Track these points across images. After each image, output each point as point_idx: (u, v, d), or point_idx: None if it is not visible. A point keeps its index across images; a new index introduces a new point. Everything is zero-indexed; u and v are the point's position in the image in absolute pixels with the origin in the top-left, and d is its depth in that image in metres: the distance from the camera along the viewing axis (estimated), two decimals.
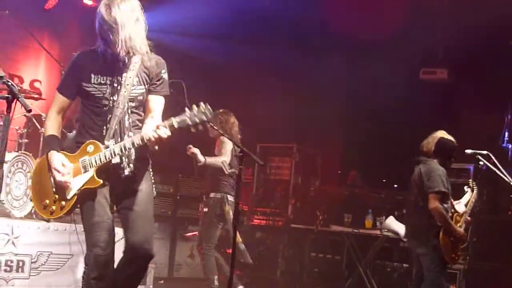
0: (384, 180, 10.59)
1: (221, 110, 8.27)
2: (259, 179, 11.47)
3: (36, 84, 10.14)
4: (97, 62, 4.79)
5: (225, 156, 8.07)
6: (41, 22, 10.36)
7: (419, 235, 6.96)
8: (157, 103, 4.82)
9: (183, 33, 11.18)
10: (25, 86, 9.87)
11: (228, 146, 8.10)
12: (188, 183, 10.90)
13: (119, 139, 4.75)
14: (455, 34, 10.15)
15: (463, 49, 10.32)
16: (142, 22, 4.71)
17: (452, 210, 6.99)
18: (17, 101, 4.61)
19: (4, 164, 4.87)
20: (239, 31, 11.15)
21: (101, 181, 4.69)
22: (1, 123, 8.01)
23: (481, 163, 7.48)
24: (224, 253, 8.97)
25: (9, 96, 4.58)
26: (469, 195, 7.57)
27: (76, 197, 4.75)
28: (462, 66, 10.59)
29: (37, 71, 10.59)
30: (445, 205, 6.81)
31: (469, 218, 7.27)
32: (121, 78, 4.75)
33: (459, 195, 7.67)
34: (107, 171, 4.74)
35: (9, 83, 4.58)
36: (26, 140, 8.51)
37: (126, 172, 4.76)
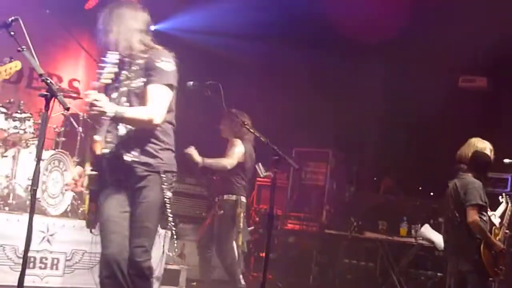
0: (420, 188, 10.51)
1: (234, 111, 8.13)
2: (294, 184, 11.46)
3: (75, 84, 10.27)
4: None
5: (230, 158, 7.97)
6: (81, 22, 10.41)
7: (462, 252, 6.75)
8: (151, 92, 4.82)
9: (222, 34, 11.19)
10: (64, 85, 10.01)
11: (237, 149, 8.00)
12: None
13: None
14: (496, 42, 10.03)
15: (503, 57, 10.20)
16: (132, 24, 4.91)
17: (489, 223, 6.88)
18: (56, 100, 4.64)
19: (41, 162, 4.93)
20: (277, 31, 11.09)
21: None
22: (39, 121, 8.08)
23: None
24: None
25: (48, 94, 4.62)
26: (503, 206, 7.48)
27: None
28: (502, 74, 10.48)
29: (76, 71, 10.67)
30: (484, 218, 6.70)
31: (507, 231, 7.16)
32: (120, 75, 4.88)
33: (495, 206, 7.59)
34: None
35: (48, 81, 4.62)
36: (63, 139, 8.55)
37: (125, 157, 4.83)
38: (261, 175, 8.28)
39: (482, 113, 10.10)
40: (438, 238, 9.23)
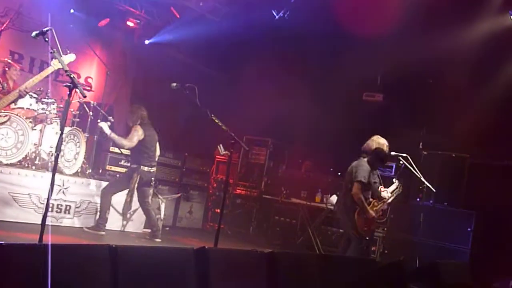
0: (331, 169, 10.59)
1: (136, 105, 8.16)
2: (242, 161, 11.44)
3: (89, 80, 10.09)
4: None
5: (129, 140, 7.78)
6: (95, 35, 10.26)
7: (346, 212, 6.91)
8: None
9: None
10: (81, 80, 9.83)
11: (135, 133, 7.81)
12: (192, 160, 10.90)
13: None
14: (391, 67, 10.13)
15: (396, 79, 10.31)
16: None
17: (371, 199, 6.94)
18: (76, 90, 4.57)
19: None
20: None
21: None
22: (61, 105, 7.96)
23: (401, 162, 7.52)
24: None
25: (71, 85, 4.55)
26: (395, 186, 7.55)
27: None
28: (393, 92, 10.58)
29: (91, 71, 10.51)
30: (365, 193, 6.80)
31: (387, 205, 7.29)
32: None
33: (386, 185, 7.70)
34: None
35: (72, 76, 4.55)
36: (78, 120, 8.47)
37: None
38: (221, 153, 8.22)
39: (379, 119, 10.19)
40: None
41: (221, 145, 8.03)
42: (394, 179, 7.59)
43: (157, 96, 10.25)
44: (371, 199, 6.94)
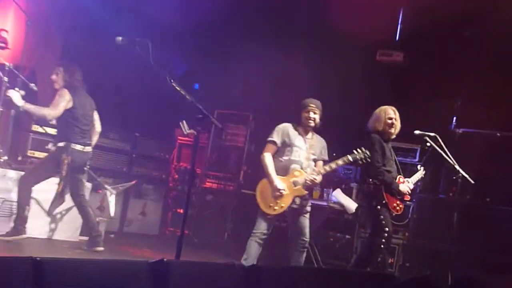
0: (334, 154, 10.59)
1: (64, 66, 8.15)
2: (214, 144, 11.40)
3: (3, 34, 9.94)
4: None
5: (53, 109, 7.79)
6: None
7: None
8: None
9: None
10: None
11: (61, 99, 7.82)
12: (146, 142, 10.87)
13: None
14: (414, 19, 10.15)
15: (420, 33, 10.33)
16: None
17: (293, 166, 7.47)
18: None
19: None
20: None
21: None
22: None
23: (427, 144, 7.61)
24: None
25: None
26: (420, 174, 7.91)
27: None
28: (418, 49, 10.60)
29: (5, 22, 10.35)
30: (285, 158, 7.47)
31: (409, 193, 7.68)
32: None
33: (406, 174, 7.79)
34: None
35: None
36: None
37: None
38: (185, 133, 8.23)
39: (398, 86, 10.21)
40: (348, 202, 9.41)
41: (184, 122, 8.01)
42: (418, 166, 7.74)
43: (97, 55, 10.14)
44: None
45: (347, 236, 9.67)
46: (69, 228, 8.55)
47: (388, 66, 10.79)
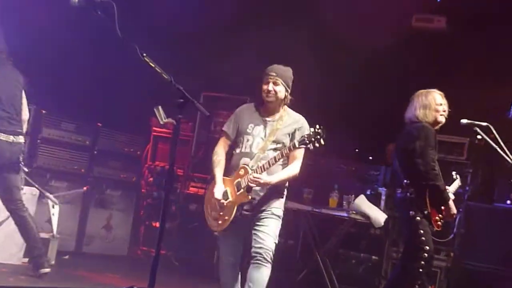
0: (357, 150, 10.58)
1: None
2: (200, 137, 11.35)
3: None
4: None
5: None
6: None
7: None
8: None
9: None
10: None
11: None
12: (111, 135, 10.83)
13: None
14: None
15: None
16: None
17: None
18: None
19: None
20: None
21: None
22: None
23: (478, 137, 7.53)
24: None
25: None
26: (457, 184, 7.97)
27: None
28: (465, 17, 10.56)
29: None
30: (237, 151, 7.28)
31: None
32: None
33: (448, 177, 7.75)
34: None
35: None
36: None
37: None
38: (161, 122, 8.17)
39: (440, 61, 10.16)
40: (375, 213, 9.36)
41: (160, 108, 7.91)
42: (454, 174, 7.79)
43: (45, 21, 10.07)
44: None
45: (374, 257, 9.69)
46: (7, 247, 8.47)
47: (426, 35, 10.75)
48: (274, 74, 7.06)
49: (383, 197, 9.75)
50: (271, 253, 6.93)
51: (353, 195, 9.88)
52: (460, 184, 7.99)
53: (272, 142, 7.02)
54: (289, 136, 7.06)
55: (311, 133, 6.69)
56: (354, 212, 9.65)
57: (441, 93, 7.57)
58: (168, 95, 6.24)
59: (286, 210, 10.10)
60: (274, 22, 11.03)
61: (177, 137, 6.10)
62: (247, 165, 6.95)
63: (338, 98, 10.81)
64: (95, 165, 10.67)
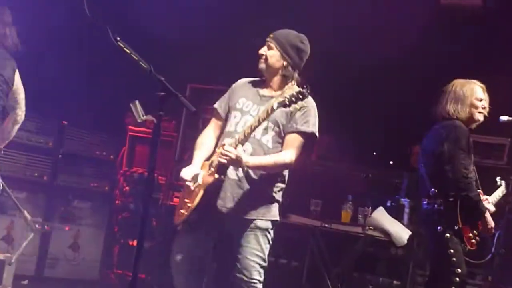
0: (375, 153, 10.63)
1: None
2: (185, 138, 11.40)
3: None
4: None
5: None
6: None
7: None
8: None
9: None
10: None
11: None
12: (79, 135, 10.87)
13: None
14: None
15: None
16: None
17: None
18: None
19: None
20: None
21: None
22: None
23: None
24: None
25: None
26: (501, 191, 8.01)
27: None
28: None
29: None
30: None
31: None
32: None
33: (488, 185, 7.79)
34: None
35: None
36: None
37: None
38: (138, 119, 8.18)
39: (476, 46, 10.20)
40: (397, 229, 9.41)
41: (137, 102, 7.93)
42: (498, 179, 7.74)
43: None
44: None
45: (395, 282, 9.72)
46: None
47: (459, 14, 10.78)
48: (271, 36, 6.92)
49: (406, 210, 9.79)
50: (257, 286, 6.86)
51: (370, 208, 9.94)
52: (504, 192, 7.99)
53: (265, 121, 6.67)
54: (289, 115, 6.78)
55: (294, 92, 6.44)
56: (371, 227, 9.71)
57: (482, 85, 7.56)
58: (147, 88, 6.32)
59: (290, 226, 10.27)
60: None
61: (158, 138, 6.13)
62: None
63: (352, 91, 10.85)
64: (60, 172, 10.70)
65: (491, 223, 7.40)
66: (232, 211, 6.69)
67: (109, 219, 11.27)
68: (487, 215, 7.39)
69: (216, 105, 7.11)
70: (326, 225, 10.07)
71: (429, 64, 10.32)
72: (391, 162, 10.20)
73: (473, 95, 7.44)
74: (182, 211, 6.78)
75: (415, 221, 9.36)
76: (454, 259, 7.20)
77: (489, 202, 7.61)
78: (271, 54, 6.82)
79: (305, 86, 6.50)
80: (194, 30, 11.35)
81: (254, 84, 7.01)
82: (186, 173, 6.72)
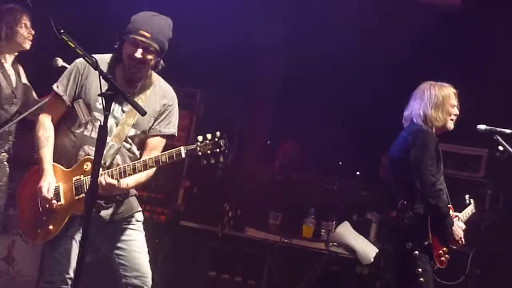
0: (340, 162, 10.65)
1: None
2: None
3: None
4: None
5: None
6: None
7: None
8: None
9: None
10: None
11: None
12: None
13: None
14: None
15: None
16: None
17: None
18: None
19: None
20: None
21: None
22: None
23: (500, 148, 7.61)
24: None
25: None
26: (470, 209, 8.06)
27: None
28: None
29: None
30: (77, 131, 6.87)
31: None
32: None
33: (460, 202, 7.82)
34: None
35: None
36: None
37: None
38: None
39: (451, 44, 10.26)
40: (363, 246, 9.43)
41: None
42: (467, 197, 7.98)
43: None
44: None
45: None
46: None
47: (436, 13, 10.83)
48: (149, 35, 6.44)
49: (374, 225, 9.83)
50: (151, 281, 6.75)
51: (334, 222, 9.96)
52: (474, 210, 8.03)
53: (131, 127, 6.63)
54: (155, 118, 6.69)
55: (207, 141, 6.22)
56: (335, 243, 9.73)
57: (455, 91, 7.61)
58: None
59: (247, 241, 10.29)
60: None
61: (104, 141, 6.10)
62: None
63: (318, 95, 10.86)
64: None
65: (459, 234, 7.44)
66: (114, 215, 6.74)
67: None
68: (455, 227, 7.42)
69: (59, 89, 6.56)
70: (286, 240, 10.10)
71: (401, 63, 10.35)
72: (358, 173, 10.19)
73: (449, 101, 7.46)
74: (39, 231, 6.56)
75: (383, 237, 9.36)
76: (422, 279, 7.20)
77: (460, 219, 7.66)
78: (151, 58, 6.51)
79: (223, 136, 6.26)
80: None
81: (111, 68, 6.57)
82: (48, 189, 6.42)
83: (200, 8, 11.12)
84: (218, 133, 6.24)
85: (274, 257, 10.14)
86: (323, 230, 10.04)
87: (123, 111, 6.55)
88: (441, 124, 7.44)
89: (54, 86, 6.57)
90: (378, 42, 10.48)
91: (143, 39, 6.34)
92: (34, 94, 8.29)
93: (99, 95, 5.80)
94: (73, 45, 6.02)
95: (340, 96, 10.71)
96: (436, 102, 7.46)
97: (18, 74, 8.20)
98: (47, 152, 6.50)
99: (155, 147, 6.64)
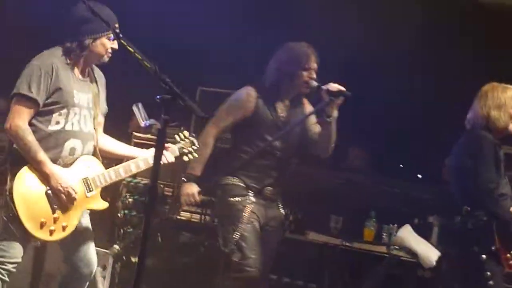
0: (401, 165, 10.61)
1: None
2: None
3: None
4: None
5: None
6: None
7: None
8: None
9: None
10: None
11: None
12: None
13: None
14: None
15: None
16: None
17: None
18: None
19: None
20: None
21: None
22: None
23: None
24: None
25: None
26: None
27: None
28: None
29: None
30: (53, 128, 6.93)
31: None
32: None
33: None
34: None
35: None
36: None
37: None
38: (141, 124, 8.16)
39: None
40: (425, 249, 9.38)
41: (140, 105, 7.90)
42: None
43: None
44: None
45: None
46: None
47: (492, 9, 10.79)
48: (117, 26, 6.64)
49: (436, 229, 9.77)
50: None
51: (396, 225, 9.92)
52: None
53: (99, 116, 7.07)
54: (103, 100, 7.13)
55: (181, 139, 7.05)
56: (396, 247, 9.69)
57: None
58: (152, 90, 6.31)
59: (308, 244, 10.25)
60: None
61: (163, 145, 6.13)
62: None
63: (373, 93, 10.84)
64: None
65: None
66: None
67: (109, 234, 11.23)
68: None
69: (33, 94, 6.53)
70: (347, 244, 10.06)
71: (459, 63, 10.31)
72: (419, 176, 10.14)
73: (511, 103, 7.41)
74: (52, 228, 6.72)
75: (445, 240, 9.30)
76: (492, 282, 7.13)
77: None
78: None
79: (192, 135, 7.31)
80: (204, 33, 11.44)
81: (68, 66, 6.76)
82: (73, 190, 6.76)
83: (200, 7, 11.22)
84: (186, 133, 7.25)
85: (335, 260, 10.12)
86: (384, 233, 10.02)
87: (89, 101, 6.90)
88: (503, 125, 7.38)
89: (23, 91, 6.53)
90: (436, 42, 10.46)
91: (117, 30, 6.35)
92: None
93: (158, 99, 5.83)
94: (131, 50, 6.05)
95: (399, 95, 10.66)
96: (499, 103, 7.40)
97: None
98: (45, 155, 6.57)
99: (101, 124, 7.18)
